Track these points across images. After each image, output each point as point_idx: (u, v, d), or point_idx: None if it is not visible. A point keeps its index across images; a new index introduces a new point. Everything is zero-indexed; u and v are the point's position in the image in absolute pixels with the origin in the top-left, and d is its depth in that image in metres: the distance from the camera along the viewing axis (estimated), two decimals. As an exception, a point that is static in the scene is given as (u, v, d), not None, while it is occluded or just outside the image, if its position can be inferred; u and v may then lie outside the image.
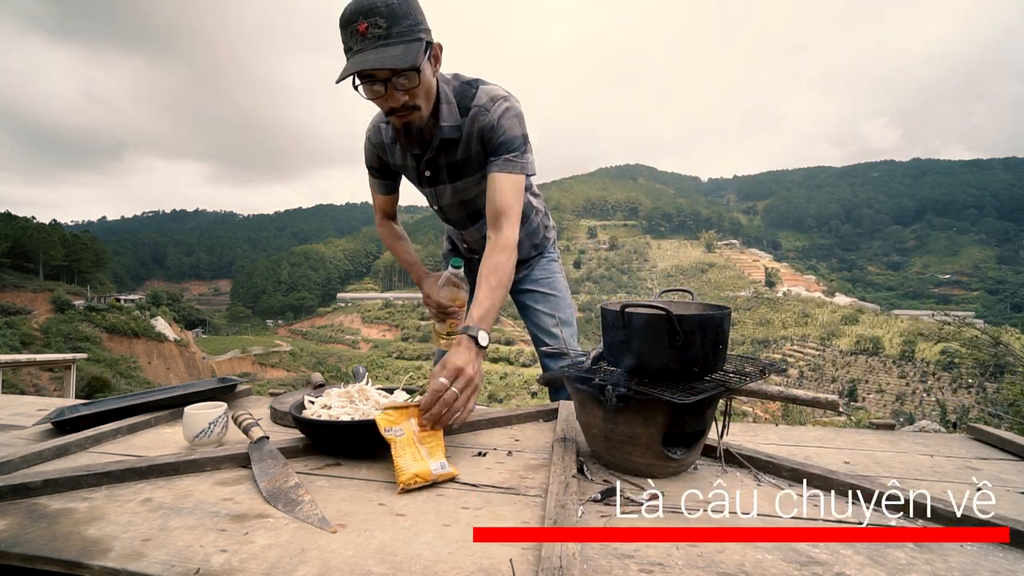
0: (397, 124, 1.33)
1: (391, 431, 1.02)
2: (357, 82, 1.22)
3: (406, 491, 0.95)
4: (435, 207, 1.68)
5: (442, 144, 1.41)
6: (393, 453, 0.99)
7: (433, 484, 0.97)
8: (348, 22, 1.17)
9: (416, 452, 1.00)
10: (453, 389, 1.04)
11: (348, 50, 1.20)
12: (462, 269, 1.51)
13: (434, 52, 1.27)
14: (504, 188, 1.34)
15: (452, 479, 1.00)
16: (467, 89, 1.38)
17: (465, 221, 1.68)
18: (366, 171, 1.67)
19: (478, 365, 1.10)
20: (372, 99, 1.27)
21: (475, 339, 1.12)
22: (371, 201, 1.76)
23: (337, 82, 1.19)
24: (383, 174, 1.63)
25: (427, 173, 1.50)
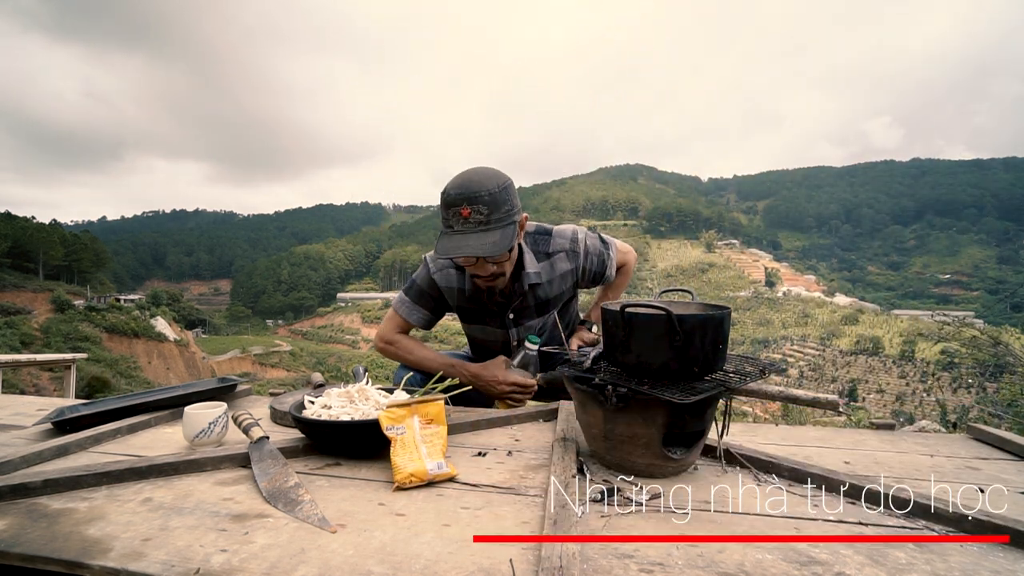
0: (481, 286, 1.48)
1: (393, 429, 1.02)
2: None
3: (401, 489, 0.95)
4: (514, 342, 1.67)
5: (530, 288, 1.55)
6: (391, 451, 0.99)
7: (432, 484, 0.98)
8: (452, 204, 1.30)
9: (414, 451, 1.00)
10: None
11: (448, 227, 1.32)
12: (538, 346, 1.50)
13: (521, 224, 1.41)
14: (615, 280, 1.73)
15: (451, 479, 1.00)
16: (540, 238, 1.58)
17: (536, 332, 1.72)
18: (405, 294, 1.65)
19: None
20: (463, 264, 1.43)
21: None
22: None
23: (437, 257, 1.36)
24: (436, 311, 1.64)
25: (511, 316, 1.59)
